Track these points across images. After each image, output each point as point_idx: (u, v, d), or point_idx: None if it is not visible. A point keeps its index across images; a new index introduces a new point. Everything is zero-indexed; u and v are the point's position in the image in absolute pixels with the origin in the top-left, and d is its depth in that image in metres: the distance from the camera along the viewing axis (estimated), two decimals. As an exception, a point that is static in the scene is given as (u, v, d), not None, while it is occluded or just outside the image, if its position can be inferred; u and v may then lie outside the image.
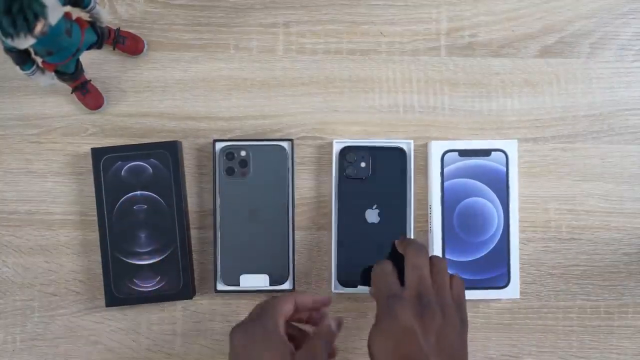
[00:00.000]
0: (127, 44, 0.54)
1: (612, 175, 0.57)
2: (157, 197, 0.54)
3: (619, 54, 0.57)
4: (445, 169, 0.55)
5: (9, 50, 0.43)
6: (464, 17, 0.57)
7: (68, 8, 0.43)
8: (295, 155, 0.55)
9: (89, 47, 0.49)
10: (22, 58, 0.45)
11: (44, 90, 0.56)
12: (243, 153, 0.54)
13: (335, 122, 0.56)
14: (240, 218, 0.54)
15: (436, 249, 0.55)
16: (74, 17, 0.45)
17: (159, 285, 0.54)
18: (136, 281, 0.54)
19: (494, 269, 0.55)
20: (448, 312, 0.43)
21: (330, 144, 0.55)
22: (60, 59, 0.46)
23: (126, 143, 0.55)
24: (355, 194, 0.54)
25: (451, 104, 0.57)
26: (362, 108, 0.57)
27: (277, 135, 0.56)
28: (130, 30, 0.55)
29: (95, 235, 0.55)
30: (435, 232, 0.55)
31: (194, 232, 0.56)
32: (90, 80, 0.54)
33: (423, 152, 0.57)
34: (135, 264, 0.54)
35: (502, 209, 0.55)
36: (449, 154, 0.55)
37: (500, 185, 0.55)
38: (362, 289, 0.53)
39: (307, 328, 0.48)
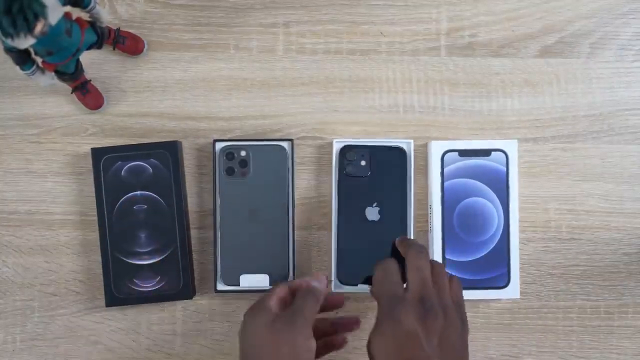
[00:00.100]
0: (127, 44, 0.54)
1: (612, 175, 0.57)
2: (157, 197, 0.54)
3: (619, 54, 0.57)
4: (445, 169, 0.55)
5: (9, 50, 0.43)
6: (464, 17, 0.57)
7: (68, 8, 0.43)
8: (295, 155, 0.55)
9: (89, 47, 0.49)
10: (22, 58, 0.45)
11: (44, 90, 0.56)
12: (243, 153, 0.54)
13: (335, 122, 0.56)
14: (240, 218, 0.54)
15: (436, 249, 0.55)
16: (74, 17, 0.45)
17: (159, 285, 0.54)
18: (136, 281, 0.54)
19: (494, 269, 0.55)
20: (449, 314, 0.43)
21: (330, 144, 0.55)
22: (60, 59, 0.46)
23: (126, 143, 0.55)
24: (355, 192, 0.54)
25: (451, 104, 0.57)
26: (362, 108, 0.57)
27: (277, 135, 0.56)
28: (130, 30, 0.55)
29: (95, 235, 0.55)
30: (435, 232, 0.55)
31: (194, 232, 0.56)
32: (90, 80, 0.54)
33: (423, 152, 0.57)
34: (135, 264, 0.54)
35: (502, 209, 0.55)
36: (449, 154, 0.55)
37: (500, 185, 0.55)
38: (363, 288, 0.53)
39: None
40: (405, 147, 0.55)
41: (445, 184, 0.55)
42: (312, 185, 0.56)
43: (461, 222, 0.55)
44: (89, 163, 0.54)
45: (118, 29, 0.54)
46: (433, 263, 0.47)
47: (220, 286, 0.54)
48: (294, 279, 0.55)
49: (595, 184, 0.57)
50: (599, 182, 0.57)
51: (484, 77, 0.57)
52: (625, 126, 0.57)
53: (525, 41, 0.57)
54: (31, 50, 0.45)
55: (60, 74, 0.49)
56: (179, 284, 0.54)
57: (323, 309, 0.51)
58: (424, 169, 0.57)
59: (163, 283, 0.54)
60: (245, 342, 0.44)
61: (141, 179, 0.54)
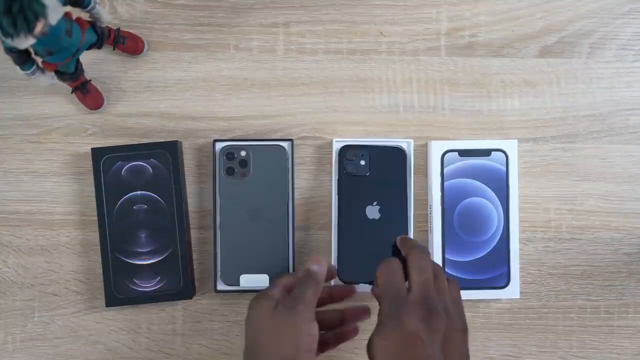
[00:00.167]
0: (127, 44, 0.54)
1: (612, 175, 0.57)
2: (157, 197, 0.54)
3: (619, 54, 0.57)
4: (445, 169, 0.55)
5: (9, 50, 0.43)
6: (464, 17, 0.57)
7: (68, 8, 0.43)
8: (295, 155, 0.55)
9: (89, 47, 0.49)
10: (22, 58, 0.45)
11: (44, 90, 0.56)
12: (243, 153, 0.54)
13: (335, 122, 0.56)
14: (240, 218, 0.54)
15: (436, 249, 0.55)
16: (74, 17, 0.45)
17: (159, 285, 0.54)
18: (136, 281, 0.54)
19: (494, 269, 0.55)
20: (451, 316, 0.43)
21: (330, 144, 0.55)
22: (60, 59, 0.46)
23: (126, 143, 0.55)
24: (355, 191, 0.54)
25: (451, 104, 0.57)
26: (362, 108, 0.57)
27: (277, 135, 0.56)
28: (131, 30, 0.55)
29: (95, 235, 0.55)
30: (435, 232, 0.55)
31: (194, 232, 0.56)
32: (90, 80, 0.54)
33: (423, 152, 0.57)
34: (135, 264, 0.54)
35: (502, 209, 0.55)
36: (449, 154, 0.55)
37: (500, 185, 0.55)
38: (363, 287, 0.53)
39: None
40: (405, 146, 0.55)
41: (445, 184, 0.55)
42: (312, 185, 0.56)
43: (461, 222, 0.55)
44: (89, 163, 0.54)
45: (118, 29, 0.54)
46: (433, 264, 0.47)
47: (220, 286, 0.54)
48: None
49: (595, 184, 0.57)
50: (599, 182, 0.57)
51: (484, 77, 0.57)
52: (625, 126, 0.57)
53: (525, 41, 0.57)
54: (31, 50, 0.45)
55: (60, 74, 0.49)
56: (179, 284, 0.54)
57: (332, 300, 0.51)
58: (424, 169, 0.57)
59: (163, 283, 0.54)
60: (249, 328, 0.45)
61: (141, 179, 0.54)
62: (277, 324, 0.43)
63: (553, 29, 0.57)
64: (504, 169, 0.55)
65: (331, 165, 0.55)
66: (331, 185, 0.55)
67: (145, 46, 0.56)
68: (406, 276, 0.45)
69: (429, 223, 0.56)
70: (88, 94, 0.54)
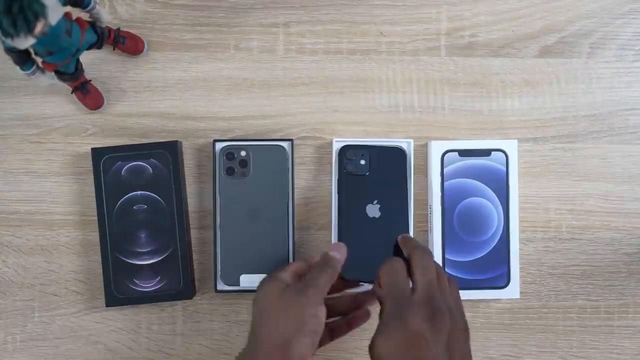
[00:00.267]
0: (127, 44, 0.54)
1: (612, 175, 0.57)
2: (157, 197, 0.54)
3: (619, 54, 0.57)
4: (445, 169, 0.55)
5: (9, 50, 0.43)
6: (464, 17, 0.57)
7: (68, 8, 0.43)
8: (295, 155, 0.55)
9: (89, 47, 0.49)
10: (22, 58, 0.45)
11: (44, 90, 0.56)
12: (243, 153, 0.54)
13: (335, 122, 0.56)
14: (240, 218, 0.54)
15: (436, 249, 0.55)
16: (74, 17, 0.45)
17: (159, 285, 0.54)
18: (136, 281, 0.54)
19: (494, 269, 0.55)
20: (454, 316, 0.43)
21: (330, 144, 0.55)
22: (60, 59, 0.46)
23: (126, 143, 0.55)
24: (355, 190, 0.54)
25: (451, 104, 0.57)
26: (362, 108, 0.57)
27: (277, 135, 0.56)
28: (130, 30, 0.55)
29: (95, 235, 0.55)
30: (435, 232, 0.55)
31: (194, 232, 0.56)
32: (90, 80, 0.54)
33: (423, 152, 0.57)
34: (135, 264, 0.54)
35: (502, 209, 0.55)
36: (449, 154, 0.55)
37: (500, 185, 0.55)
38: (364, 286, 0.53)
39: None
40: (405, 146, 0.55)
41: (445, 184, 0.55)
42: (312, 185, 0.56)
43: (461, 222, 0.55)
44: (89, 163, 0.54)
45: (118, 29, 0.54)
46: (435, 264, 0.47)
47: (220, 286, 0.54)
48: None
49: (595, 184, 0.57)
50: (599, 182, 0.57)
51: (484, 77, 0.57)
52: (625, 126, 0.57)
53: (525, 41, 0.57)
54: (31, 50, 0.45)
55: (60, 74, 0.49)
56: (179, 284, 0.54)
57: (338, 289, 0.51)
58: (424, 169, 0.57)
59: (163, 283, 0.54)
60: (256, 310, 0.45)
61: (141, 179, 0.54)
62: (283, 306, 0.43)
63: (553, 29, 0.57)
64: (504, 169, 0.55)
65: (331, 165, 0.55)
66: (331, 185, 0.55)
67: (145, 46, 0.56)
68: (409, 276, 0.45)
69: (429, 223, 0.56)
70: (88, 94, 0.54)
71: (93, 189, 0.54)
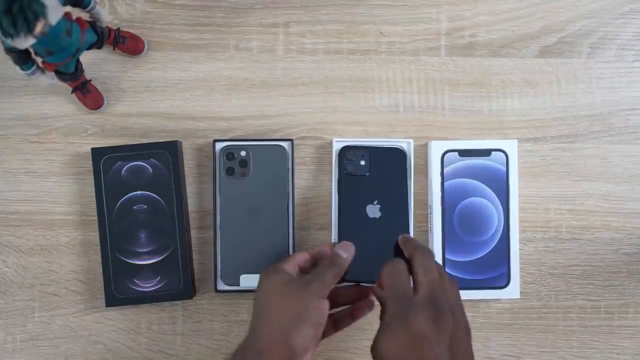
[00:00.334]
0: (127, 44, 0.54)
1: (612, 175, 0.57)
2: (157, 197, 0.54)
3: (619, 53, 0.57)
4: (445, 169, 0.55)
5: (9, 50, 0.43)
6: (464, 17, 0.57)
7: (68, 8, 0.43)
8: (295, 155, 0.55)
9: (89, 47, 0.49)
10: (22, 58, 0.45)
11: (44, 90, 0.56)
12: (243, 153, 0.54)
13: (335, 122, 0.56)
14: (240, 218, 0.54)
15: (436, 249, 0.55)
16: (74, 17, 0.45)
17: (159, 285, 0.54)
18: (136, 281, 0.54)
19: (494, 269, 0.55)
20: (457, 316, 0.43)
21: (330, 144, 0.55)
22: (61, 59, 0.46)
23: (126, 143, 0.55)
24: (355, 190, 0.54)
25: (451, 104, 0.57)
26: (362, 108, 0.57)
27: (277, 135, 0.56)
28: (131, 30, 0.55)
29: (95, 235, 0.55)
30: (435, 232, 0.55)
31: (194, 232, 0.56)
32: (90, 80, 0.54)
33: (423, 152, 0.57)
34: (135, 264, 0.54)
35: (502, 209, 0.55)
36: (449, 154, 0.55)
37: (500, 185, 0.55)
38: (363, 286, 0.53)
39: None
40: (405, 147, 0.55)
41: (445, 184, 0.55)
42: (312, 185, 0.56)
43: (461, 222, 0.55)
44: (89, 163, 0.54)
45: (118, 29, 0.54)
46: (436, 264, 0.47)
47: (220, 286, 0.54)
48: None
49: (595, 184, 0.57)
50: (599, 182, 0.57)
51: (484, 77, 0.57)
52: (625, 126, 0.57)
53: (525, 41, 0.57)
54: (31, 50, 0.45)
55: (60, 74, 0.49)
56: (179, 284, 0.54)
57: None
58: (424, 169, 0.57)
59: (163, 283, 0.54)
60: (258, 301, 0.45)
61: (141, 179, 0.54)
62: (287, 297, 0.43)
63: (553, 29, 0.57)
64: (504, 169, 0.55)
65: (331, 165, 0.55)
66: (331, 185, 0.55)
67: (145, 46, 0.56)
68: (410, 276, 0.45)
69: (429, 223, 0.56)
70: (88, 94, 0.54)
71: (93, 189, 0.54)
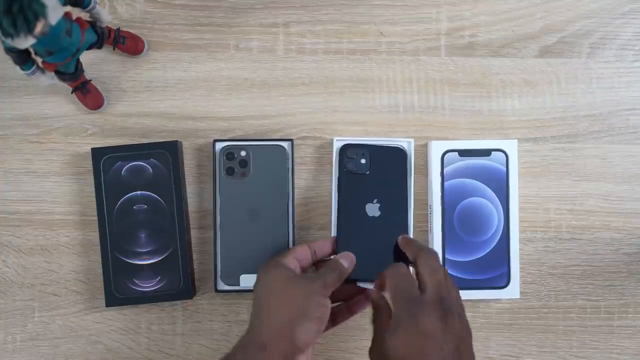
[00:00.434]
0: (127, 44, 0.54)
1: (612, 175, 0.57)
2: (157, 197, 0.54)
3: (619, 53, 0.57)
4: (445, 169, 0.55)
5: (9, 50, 0.43)
6: (464, 17, 0.57)
7: (68, 8, 0.43)
8: (295, 155, 0.55)
9: (89, 47, 0.49)
10: (22, 58, 0.45)
11: (44, 90, 0.56)
12: (243, 153, 0.54)
13: (336, 122, 0.57)
14: (240, 218, 0.54)
15: (436, 249, 0.55)
16: (74, 17, 0.45)
17: (159, 285, 0.54)
18: (136, 281, 0.54)
19: (494, 269, 0.55)
20: (462, 317, 0.43)
21: (330, 144, 0.55)
22: (61, 59, 0.46)
23: (126, 143, 0.55)
24: (355, 189, 0.54)
25: (451, 104, 0.57)
26: (362, 108, 0.57)
27: (277, 135, 0.56)
28: (131, 30, 0.55)
29: (95, 235, 0.55)
30: (435, 232, 0.55)
31: (194, 232, 0.56)
32: (90, 80, 0.54)
33: (423, 152, 0.57)
34: (135, 264, 0.54)
35: (502, 209, 0.55)
36: (449, 154, 0.55)
37: (500, 185, 0.55)
38: (364, 285, 0.53)
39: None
40: (405, 146, 0.55)
41: (445, 184, 0.55)
42: (312, 185, 0.56)
43: (461, 222, 0.55)
44: (89, 163, 0.54)
45: (118, 29, 0.54)
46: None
47: (220, 286, 0.54)
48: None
49: (595, 184, 0.57)
50: (599, 182, 0.57)
51: (484, 77, 0.57)
52: (625, 126, 0.57)
53: (525, 41, 0.57)
54: (31, 50, 0.45)
55: (60, 74, 0.49)
56: (179, 284, 0.54)
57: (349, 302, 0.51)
58: (424, 169, 0.57)
59: (163, 283, 0.54)
60: (257, 296, 0.45)
61: (141, 179, 0.54)
62: (290, 292, 0.43)
63: (553, 29, 0.57)
64: (504, 169, 0.55)
65: (331, 165, 0.55)
66: (331, 184, 0.55)
67: (145, 46, 0.56)
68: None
69: (429, 223, 0.56)
70: (88, 94, 0.54)
71: (93, 189, 0.54)
